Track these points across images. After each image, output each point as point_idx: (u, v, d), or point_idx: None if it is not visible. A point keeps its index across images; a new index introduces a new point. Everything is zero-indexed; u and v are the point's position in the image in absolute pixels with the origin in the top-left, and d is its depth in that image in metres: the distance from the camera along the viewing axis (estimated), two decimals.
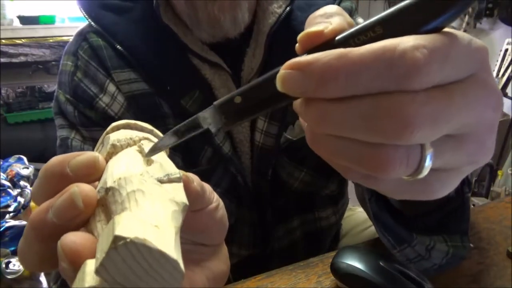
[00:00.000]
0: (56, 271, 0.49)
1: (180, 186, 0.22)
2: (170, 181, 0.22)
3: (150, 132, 0.27)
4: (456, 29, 0.20)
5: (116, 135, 0.25)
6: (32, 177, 1.76)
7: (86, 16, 0.52)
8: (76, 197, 0.19)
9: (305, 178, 0.57)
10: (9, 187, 1.61)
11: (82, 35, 0.54)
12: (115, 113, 0.52)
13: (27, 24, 1.99)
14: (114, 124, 0.27)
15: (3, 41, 1.92)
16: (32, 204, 1.60)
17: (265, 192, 0.57)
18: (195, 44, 0.52)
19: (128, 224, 0.16)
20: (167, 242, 0.16)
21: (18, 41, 1.98)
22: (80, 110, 0.53)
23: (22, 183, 1.68)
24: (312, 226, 0.62)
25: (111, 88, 0.52)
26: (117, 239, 0.15)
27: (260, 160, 0.55)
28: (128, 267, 0.15)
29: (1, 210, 1.50)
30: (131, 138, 0.25)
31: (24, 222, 1.48)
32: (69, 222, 0.19)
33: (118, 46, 0.51)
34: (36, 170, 1.83)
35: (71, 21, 2.17)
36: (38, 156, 1.98)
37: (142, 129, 0.27)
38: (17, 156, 1.84)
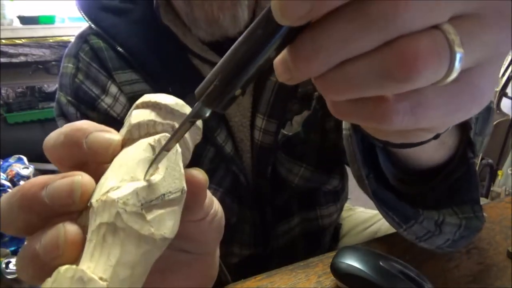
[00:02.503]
0: None
1: (173, 210, 0.20)
2: (164, 204, 0.19)
3: (181, 117, 0.23)
4: None
5: (138, 117, 0.22)
6: (32, 177, 1.76)
7: (86, 18, 0.52)
8: (76, 188, 0.19)
9: (304, 174, 0.57)
10: (9, 187, 1.61)
11: (82, 38, 0.54)
12: (117, 114, 0.53)
13: (27, 24, 1.99)
14: (145, 98, 0.23)
15: (3, 41, 1.92)
16: None
17: (265, 192, 0.57)
18: (195, 44, 0.52)
19: (65, 283, 0.16)
20: None
21: (18, 41, 1.98)
22: (82, 111, 0.53)
23: (22, 183, 1.68)
24: (313, 224, 0.62)
25: (113, 89, 0.52)
26: None
27: (260, 158, 0.56)
28: None
29: None
30: (153, 126, 0.22)
31: None
32: (60, 208, 0.19)
33: (118, 48, 0.51)
34: (36, 170, 1.83)
35: (71, 21, 2.17)
36: (38, 156, 1.97)
37: (172, 112, 0.23)
38: (17, 156, 1.84)
